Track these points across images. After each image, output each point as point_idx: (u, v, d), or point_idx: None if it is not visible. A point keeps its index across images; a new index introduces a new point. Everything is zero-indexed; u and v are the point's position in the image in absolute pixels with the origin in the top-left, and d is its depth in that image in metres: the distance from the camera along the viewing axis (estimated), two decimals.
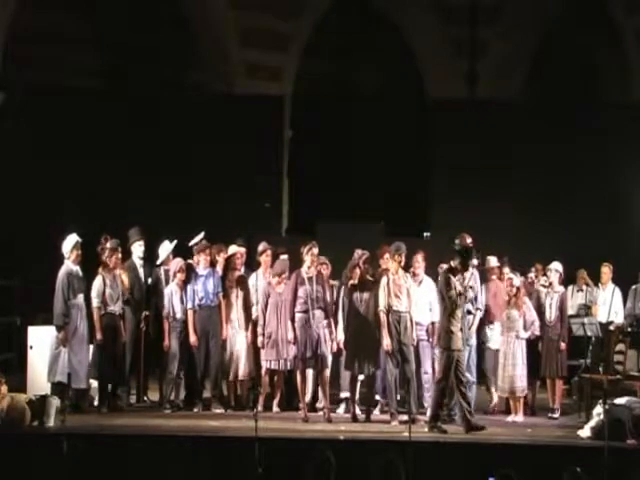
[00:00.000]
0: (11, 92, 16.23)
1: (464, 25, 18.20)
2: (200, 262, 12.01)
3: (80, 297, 11.58)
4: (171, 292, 11.96)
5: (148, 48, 17.82)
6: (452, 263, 10.92)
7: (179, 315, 11.91)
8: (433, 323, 11.75)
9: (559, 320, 11.97)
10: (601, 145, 16.29)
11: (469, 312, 11.41)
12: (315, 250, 11.54)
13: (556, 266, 12.16)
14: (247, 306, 12.07)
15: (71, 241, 11.60)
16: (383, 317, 11.22)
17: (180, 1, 17.93)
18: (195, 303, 11.89)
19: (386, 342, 11.15)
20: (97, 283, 11.74)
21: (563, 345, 11.96)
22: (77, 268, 11.58)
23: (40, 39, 17.08)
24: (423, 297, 11.81)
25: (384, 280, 11.30)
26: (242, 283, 12.11)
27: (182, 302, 11.93)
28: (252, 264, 12.54)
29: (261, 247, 12.32)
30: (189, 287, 11.90)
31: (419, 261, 11.96)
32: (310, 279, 11.44)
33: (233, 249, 12.26)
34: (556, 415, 11.85)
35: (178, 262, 12.09)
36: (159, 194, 15.93)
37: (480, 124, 16.62)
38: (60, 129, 15.92)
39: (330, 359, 11.60)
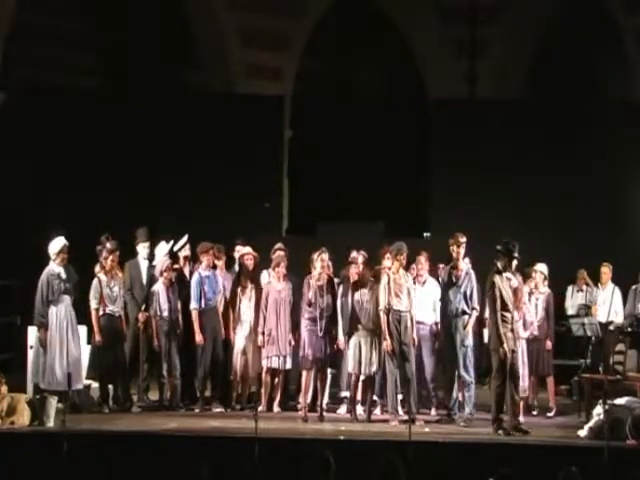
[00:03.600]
0: (11, 92, 16.23)
1: (464, 25, 18.21)
2: (203, 263, 12.01)
3: (63, 298, 11.50)
4: (158, 291, 11.98)
5: (148, 48, 17.82)
6: (499, 264, 10.89)
7: (165, 314, 11.92)
8: (437, 323, 11.78)
9: (545, 320, 12.02)
10: (601, 145, 16.27)
11: (464, 312, 11.37)
12: (325, 256, 11.54)
13: (541, 267, 12.16)
14: (259, 307, 12.02)
15: (58, 244, 11.56)
16: (383, 317, 11.22)
17: (180, 1, 17.93)
18: (202, 303, 11.89)
19: (386, 342, 11.18)
20: (94, 285, 11.75)
21: (549, 344, 12.02)
22: (61, 270, 11.51)
23: (40, 39, 17.09)
24: (427, 297, 11.81)
25: (385, 279, 11.29)
26: (255, 283, 12.11)
27: (169, 301, 11.93)
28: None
29: (276, 247, 12.32)
30: (193, 287, 11.89)
31: (422, 262, 11.96)
32: (321, 287, 11.47)
33: (246, 250, 12.26)
34: (551, 414, 11.86)
35: (164, 261, 12.10)
36: (159, 194, 15.93)
37: (480, 124, 16.61)
38: (60, 129, 15.91)
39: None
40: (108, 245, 11.90)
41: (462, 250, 11.43)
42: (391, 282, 11.23)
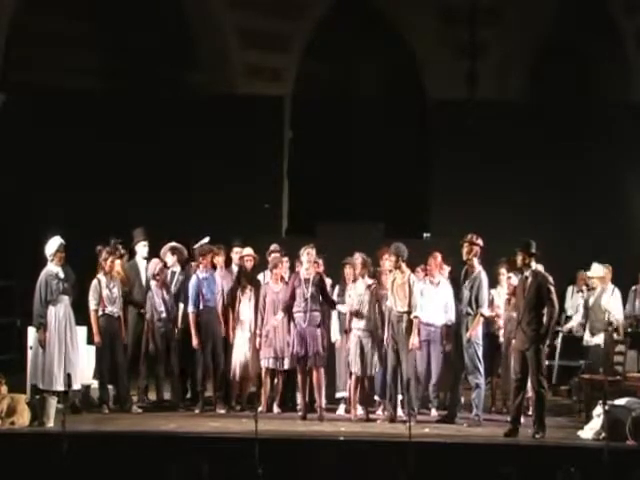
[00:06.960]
0: (11, 93, 16.23)
1: (464, 25, 18.19)
2: (200, 265, 11.99)
3: (62, 298, 11.48)
4: (152, 293, 12.02)
5: (148, 48, 17.82)
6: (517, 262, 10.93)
7: (163, 315, 11.97)
8: (448, 325, 11.76)
9: None
10: (601, 145, 16.28)
11: (468, 313, 11.34)
12: (312, 251, 11.55)
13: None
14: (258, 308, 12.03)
15: (55, 243, 11.53)
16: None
17: (180, 1, 17.93)
18: (200, 305, 11.86)
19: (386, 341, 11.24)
20: (93, 285, 11.75)
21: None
22: (59, 270, 11.50)
23: (40, 40, 17.09)
24: (439, 299, 11.78)
25: (388, 280, 11.34)
26: (254, 284, 12.11)
27: (164, 302, 11.98)
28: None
29: (271, 248, 12.33)
30: (190, 290, 11.86)
31: (432, 264, 11.93)
32: (307, 280, 11.46)
33: (247, 251, 12.26)
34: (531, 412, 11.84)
35: (157, 263, 12.11)
36: (159, 195, 15.93)
37: (480, 124, 16.60)
38: (60, 129, 15.91)
39: (325, 358, 11.62)
40: (122, 250, 11.92)
41: (471, 251, 11.35)
42: (394, 282, 11.25)
